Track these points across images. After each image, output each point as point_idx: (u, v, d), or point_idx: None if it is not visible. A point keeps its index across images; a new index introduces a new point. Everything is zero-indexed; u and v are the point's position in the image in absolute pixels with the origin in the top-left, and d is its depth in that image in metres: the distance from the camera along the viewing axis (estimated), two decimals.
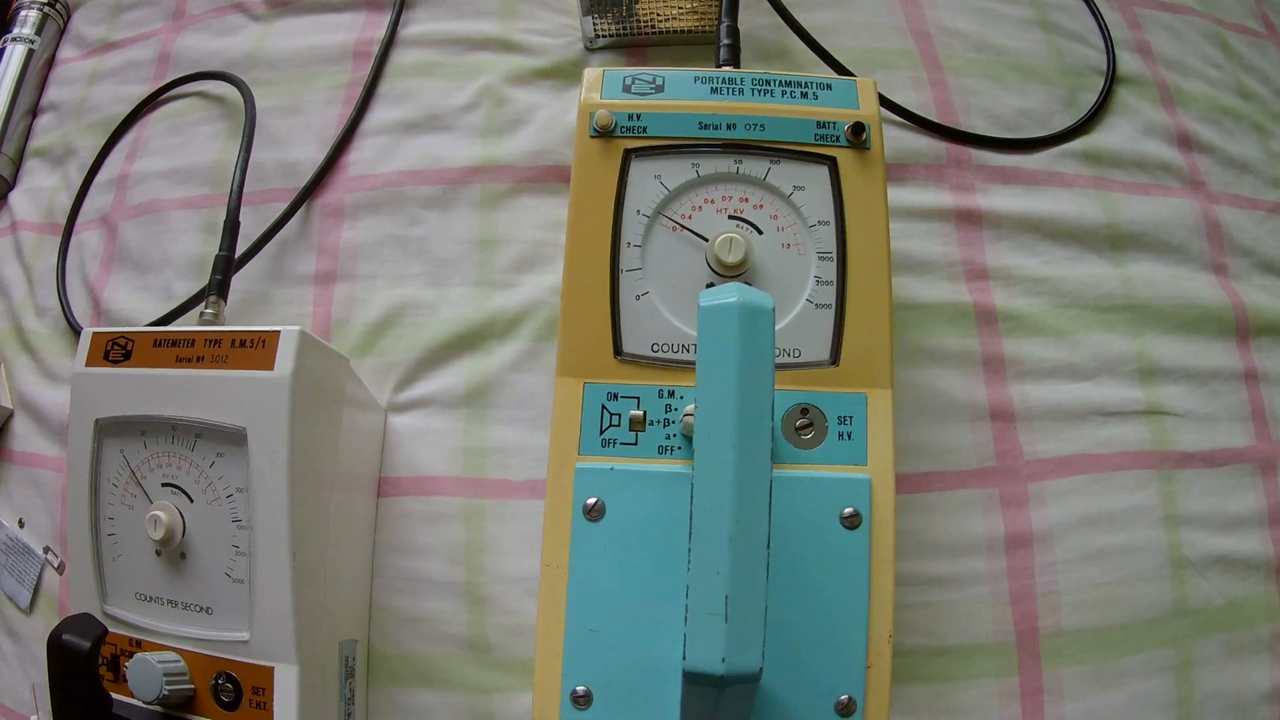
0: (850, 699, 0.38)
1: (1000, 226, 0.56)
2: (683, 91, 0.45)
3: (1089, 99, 0.60)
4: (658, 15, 0.57)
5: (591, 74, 0.46)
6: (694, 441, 0.33)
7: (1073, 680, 0.49)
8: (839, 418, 0.41)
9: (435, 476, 0.51)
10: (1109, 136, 0.60)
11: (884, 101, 0.56)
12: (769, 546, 0.33)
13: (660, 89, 0.45)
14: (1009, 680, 0.49)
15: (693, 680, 0.32)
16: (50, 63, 0.72)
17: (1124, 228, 0.57)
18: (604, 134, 0.44)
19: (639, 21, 0.57)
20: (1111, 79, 0.61)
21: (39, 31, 0.71)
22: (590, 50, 0.59)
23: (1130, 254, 0.57)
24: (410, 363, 0.53)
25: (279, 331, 0.42)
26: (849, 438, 0.41)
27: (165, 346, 0.43)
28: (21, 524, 0.58)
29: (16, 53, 0.70)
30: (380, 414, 0.52)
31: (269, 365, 0.41)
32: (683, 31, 0.58)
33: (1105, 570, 0.50)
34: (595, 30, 0.58)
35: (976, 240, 0.55)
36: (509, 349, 0.53)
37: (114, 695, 0.41)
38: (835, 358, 0.42)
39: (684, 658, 0.32)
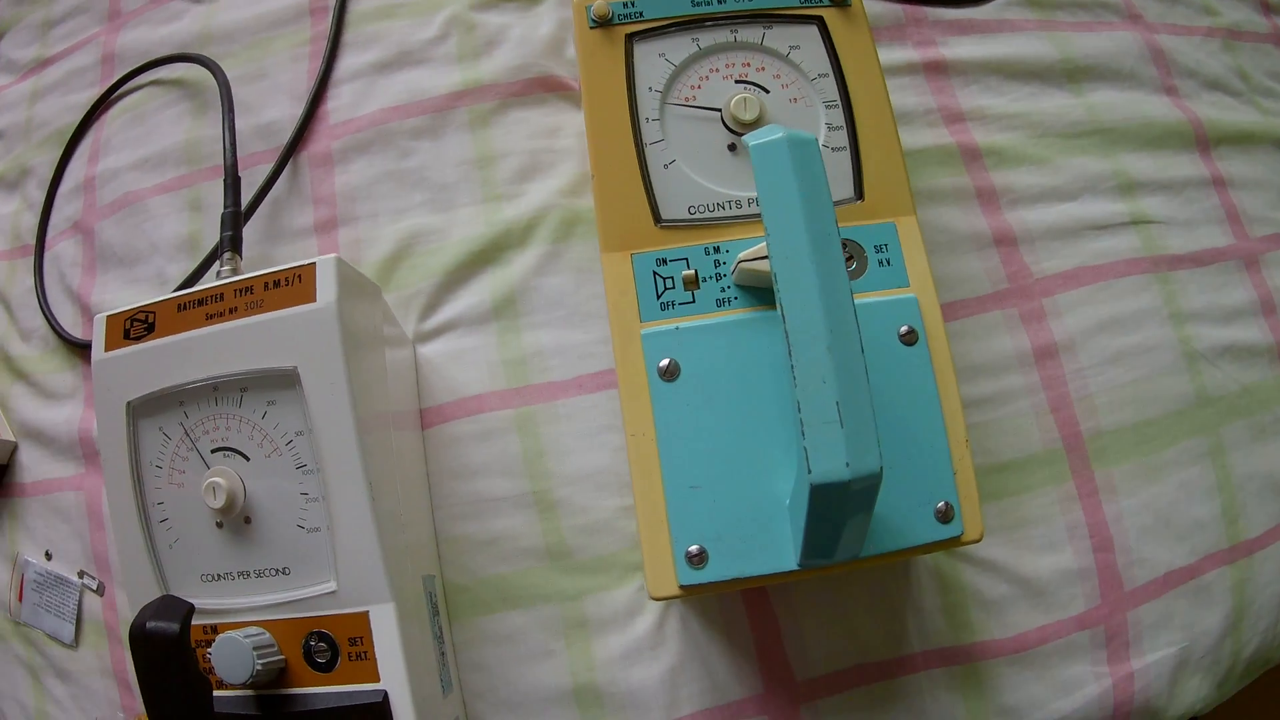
0: (947, 504, 0.39)
1: (966, 73, 0.58)
2: None
3: None
4: None
5: None
6: (773, 267, 0.34)
7: (1122, 477, 0.51)
8: (875, 246, 0.42)
9: (479, 395, 0.50)
10: None
11: None
12: (863, 350, 0.33)
13: None
14: (1065, 485, 0.50)
15: (821, 491, 0.32)
16: None
17: (1078, 61, 0.59)
18: (603, 23, 0.44)
19: None
20: None
21: None
22: None
23: (1087, 84, 0.59)
24: (431, 289, 0.52)
25: (314, 263, 0.40)
26: (888, 264, 0.42)
27: (192, 308, 0.41)
28: (49, 556, 0.54)
29: None
30: (409, 346, 0.51)
31: (311, 298, 0.39)
32: None
33: (1128, 369, 0.52)
34: None
35: (947, 87, 0.57)
36: (529, 255, 0.52)
37: None
38: (860, 193, 0.43)
39: (809, 471, 0.32)
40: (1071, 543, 0.49)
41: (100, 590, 0.52)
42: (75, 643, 0.53)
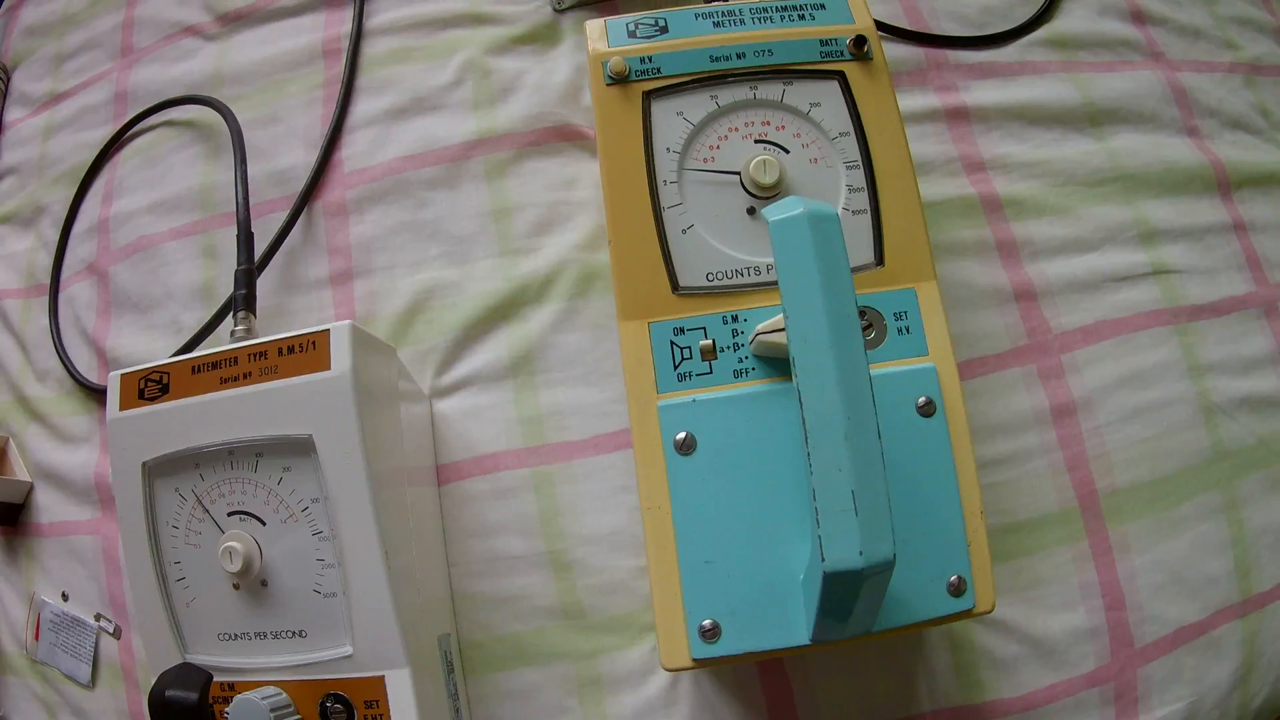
0: (960, 578, 0.39)
1: (988, 119, 0.57)
2: (687, 29, 0.45)
3: None
4: None
5: (593, 24, 0.46)
6: (790, 351, 0.34)
7: (1136, 534, 0.51)
8: (894, 314, 0.42)
9: (495, 453, 0.50)
10: (1068, 21, 0.62)
11: None
12: (880, 437, 0.33)
13: (665, 29, 0.45)
14: (1079, 545, 0.50)
15: (834, 579, 0.32)
16: None
17: (1100, 104, 0.59)
18: (619, 80, 0.44)
19: None
20: None
21: None
22: (559, 11, 0.58)
23: (1109, 128, 0.59)
24: (448, 344, 0.52)
25: (328, 330, 0.39)
26: (907, 331, 0.42)
27: (206, 370, 0.41)
28: (65, 597, 0.55)
29: None
30: (426, 402, 0.51)
31: (325, 366, 0.39)
32: None
33: (1146, 425, 0.52)
34: None
35: (969, 135, 0.57)
36: (546, 312, 0.52)
37: None
38: (880, 258, 0.42)
39: (822, 559, 0.32)
40: (1084, 602, 0.49)
41: (117, 634, 0.53)
42: (92, 684, 0.53)
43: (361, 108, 0.57)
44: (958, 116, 0.57)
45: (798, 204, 0.34)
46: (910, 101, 0.57)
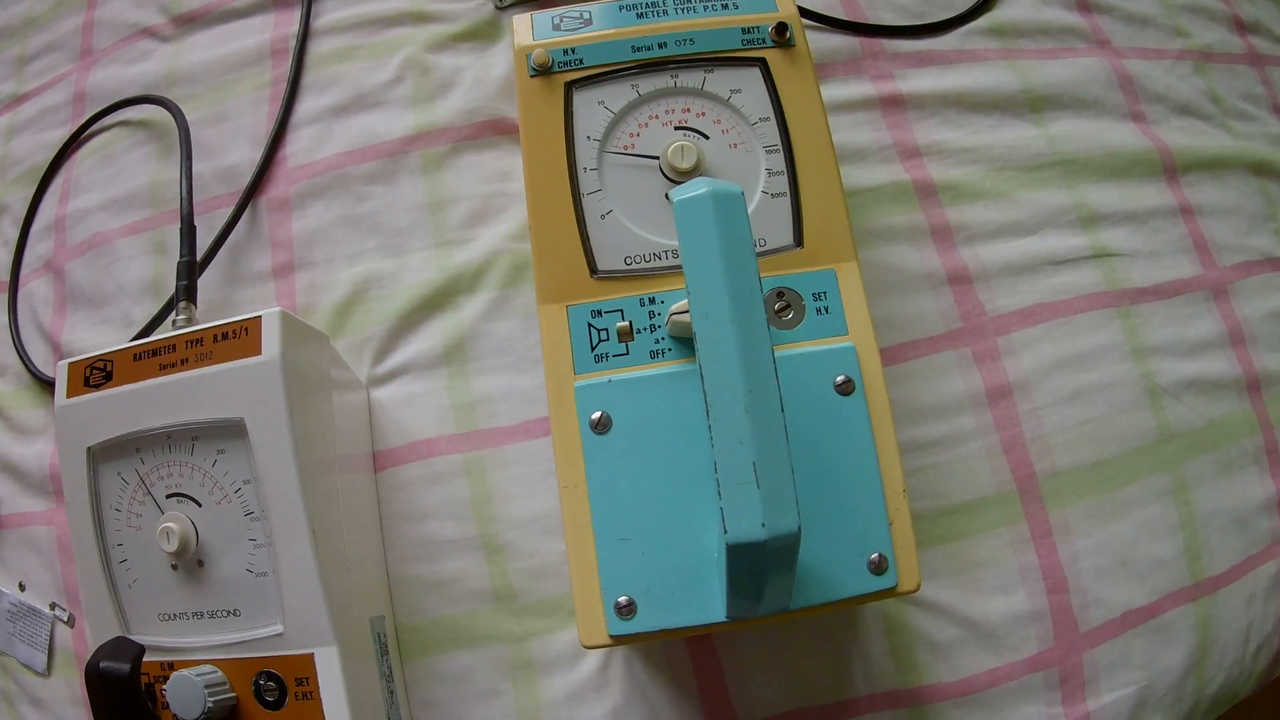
0: (881, 555, 0.39)
1: (924, 106, 0.58)
2: (610, 21, 0.47)
3: None
4: None
5: (520, 19, 0.47)
6: (693, 325, 0.34)
7: (1078, 517, 0.51)
8: (813, 294, 0.43)
9: (429, 439, 0.51)
10: (1010, 10, 0.62)
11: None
12: (783, 410, 0.34)
13: (588, 22, 0.47)
14: (1018, 527, 0.51)
15: (737, 551, 0.33)
16: None
17: (1040, 90, 0.60)
18: (543, 72, 0.45)
19: None
20: None
21: None
22: (500, 9, 0.60)
23: (1050, 114, 0.59)
24: (384, 334, 0.53)
25: (260, 316, 0.41)
26: (826, 312, 0.42)
27: (146, 358, 0.43)
28: (22, 587, 0.56)
29: None
30: (363, 390, 0.53)
31: (256, 351, 0.41)
32: None
33: (1086, 408, 0.53)
34: None
35: (904, 122, 0.58)
36: (478, 301, 0.53)
37: None
38: (799, 240, 0.43)
39: (724, 532, 0.33)
40: (1024, 585, 0.50)
41: (71, 622, 0.54)
42: (48, 672, 0.54)
43: (306, 105, 0.58)
44: (893, 104, 0.58)
45: (703, 184, 0.35)
46: (845, 90, 0.58)
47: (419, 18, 0.60)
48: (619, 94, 0.45)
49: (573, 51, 0.45)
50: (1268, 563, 0.53)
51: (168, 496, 0.42)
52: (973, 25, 0.61)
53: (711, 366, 0.34)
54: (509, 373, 0.52)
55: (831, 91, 0.57)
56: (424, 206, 0.55)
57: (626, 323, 0.42)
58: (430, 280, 0.54)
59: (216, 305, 0.55)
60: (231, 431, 0.41)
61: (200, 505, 0.42)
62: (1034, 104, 0.59)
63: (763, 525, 0.32)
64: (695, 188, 0.35)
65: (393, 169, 0.56)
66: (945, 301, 0.53)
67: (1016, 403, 0.52)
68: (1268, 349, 0.57)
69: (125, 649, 0.37)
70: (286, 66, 0.59)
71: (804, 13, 0.58)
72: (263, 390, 0.41)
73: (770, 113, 0.45)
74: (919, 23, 0.60)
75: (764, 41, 0.46)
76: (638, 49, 0.45)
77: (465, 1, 0.60)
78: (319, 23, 0.60)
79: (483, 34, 0.59)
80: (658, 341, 0.41)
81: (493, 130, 0.56)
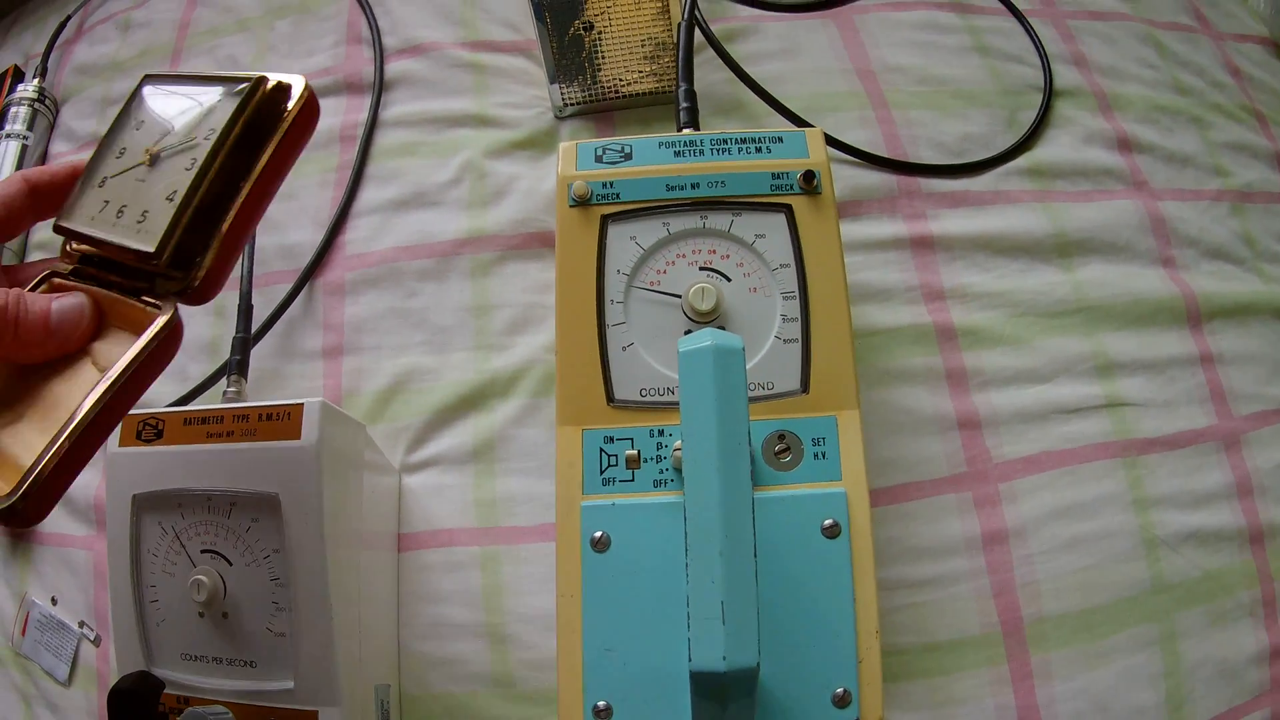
0: (845, 690, 0.44)
1: (953, 248, 0.63)
2: (649, 157, 0.52)
3: (1029, 116, 0.68)
4: (620, 81, 0.65)
5: (566, 147, 0.53)
6: (683, 470, 0.40)
7: (1060, 662, 0.55)
8: (813, 439, 0.47)
9: (451, 529, 0.58)
10: (1050, 150, 0.67)
11: (835, 143, 0.64)
12: (756, 556, 0.40)
13: (629, 156, 0.52)
14: (999, 668, 0.55)
15: (699, 679, 0.39)
16: (44, 158, 0.78)
17: (1071, 235, 0.64)
18: (582, 203, 0.51)
19: (604, 88, 0.65)
20: (1049, 94, 0.69)
21: (30, 127, 0.77)
22: (560, 118, 0.67)
23: (1079, 259, 0.64)
24: (419, 425, 0.60)
25: (302, 404, 0.48)
26: (823, 457, 0.47)
27: (195, 424, 0.49)
28: (55, 601, 0.63)
29: (10, 149, 0.76)
30: (395, 475, 0.59)
31: (296, 435, 0.48)
32: (645, 94, 0.66)
33: (1081, 556, 0.57)
34: (564, 99, 0.66)
35: (932, 264, 0.63)
36: (510, 406, 0.60)
37: None
38: (805, 386, 0.48)
39: (689, 659, 0.38)
40: None
41: (97, 642, 0.61)
42: (68, 682, 0.61)
43: (368, 195, 0.66)
44: (923, 245, 0.63)
45: (708, 337, 0.40)
46: (879, 228, 0.63)
47: (482, 121, 0.67)
48: (650, 231, 0.50)
49: (611, 185, 0.51)
50: (1253, 713, 0.56)
51: (202, 551, 0.49)
52: (1010, 165, 0.66)
53: (694, 509, 0.39)
54: (532, 477, 0.58)
55: (865, 229, 0.63)
56: (469, 309, 0.62)
57: (635, 451, 0.47)
58: (468, 381, 0.61)
59: (267, 376, 0.62)
60: (267, 504, 0.47)
61: (230, 564, 0.48)
62: (1063, 249, 0.64)
63: (724, 658, 0.37)
64: (700, 340, 0.40)
65: (443, 269, 0.63)
66: (952, 445, 0.58)
67: (1011, 548, 0.56)
68: (1276, 500, 0.60)
69: (148, 683, 0.44)
70: (353, 153, 0.67)
71: (845, 148, 0.64)
72: (299, 473, 0.47)
73: (791, 259, 0.50)
74: (957, 161, 0.66)
75: (792, 188, 0.51)
76: (671, 188, 0.51)
77: (527, 109, 0.67)
78: (387, 113, 0.68)
79: (540, 143, 0.66)
80: (662, 472, 0.47)
81: (539, 242, 0.63)
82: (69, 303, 0.38)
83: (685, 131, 0.56)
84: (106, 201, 0.40)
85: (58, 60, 0.83)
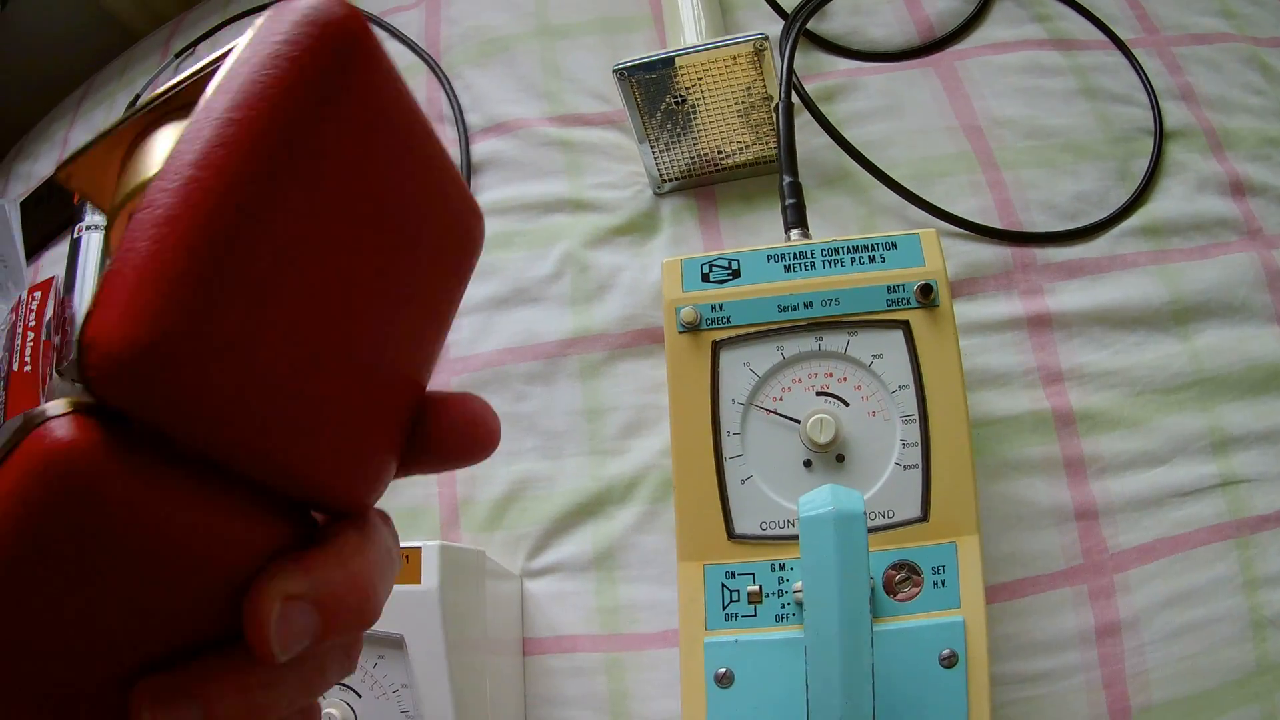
0: None
1: (1070, 325, 0.64)
2: (759, 273, 0.53)
3: (1141, 165, 0.68)
4: (720, 154, 0.65)
5: (669, 264, 0.54)
6: (805, 637, 0.42)
7: None
8: (933, 568, 0.49)
9: (575, 635, 0.61)
10: (1164, 204, 0.67)
11: (947, 216, 0.64)
12: (875, 696, 0.42)
13: (737, 274, 0.53)
14: None
15: None
16: None
17: (1187, 299, 0.65)
18: (691, 329, 0.52)
19: (702, 162, 0.66)
20: (1160, 139, 0.69)
21: None
22: (659, 195, 0.67)
23: (1195, 324, 0.64)
24: (538, 533, 0.63)
25: (421, 548, 0.51)
26: (943, 585, 0.49)
27: None
28: None
29: (94, 241, 0.78)
30: (516, 581, 0.63)
31: (416, 579, 0.50)
32: (746, 165, 0.67)
33: (1189, 644, 0.58)
34: (661, 175, 0.66)
35: (1049, 343, 0.63)
36: (628, 513, 0.62)
37: None
38: (925, 513, 0.50)
39: None
40: None
41: None
42: None
43: (468, 291, 0.66)
44: (1040, 323, 0.64)
45: (828, 500, 0.42)
46: (995, 308, 0.64)
47: (578, 205, 0.68)
48: (765, 356, 0.52)
49: (720, 308, 0.52)
50: None
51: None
52: (1125, 225, 0.66)
53: (816, 679, 0.42)
54: (653, 584, 0.61)
55: (981, 309, 0.64)
56: (580, 413, 0.64)
57: (757, 587, 0.50)
58: (584, 488, 0.63)
59: None
60: (392, 643, 0.51)
61: (360, 697, 0.51)
62: (1179, 315, 0.64)
63: None
64: (820, 504, 0.42)
65: (551, 370, 0.65)
66: (1069, 537, 0.60)
67: (1124, 639, 0.58)
68: None
69: None
70: None
71: (960, 222, 0.65)
72: (421, 615, 0.50)
73: (910, 380, 0.51)
74: (1072, 226, 0.66)
75: (908, 302, 0.52)
76: (784, 308, 0.52)
77: (623, 189, 0.68)
78: (479, 198, 0.68)
79: (640, 226, 0.67)
80: (784, 606, 0.50)
81: (648, 339, 0.65)
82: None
83: (793, 234, 0.57)
84: None
85: None
